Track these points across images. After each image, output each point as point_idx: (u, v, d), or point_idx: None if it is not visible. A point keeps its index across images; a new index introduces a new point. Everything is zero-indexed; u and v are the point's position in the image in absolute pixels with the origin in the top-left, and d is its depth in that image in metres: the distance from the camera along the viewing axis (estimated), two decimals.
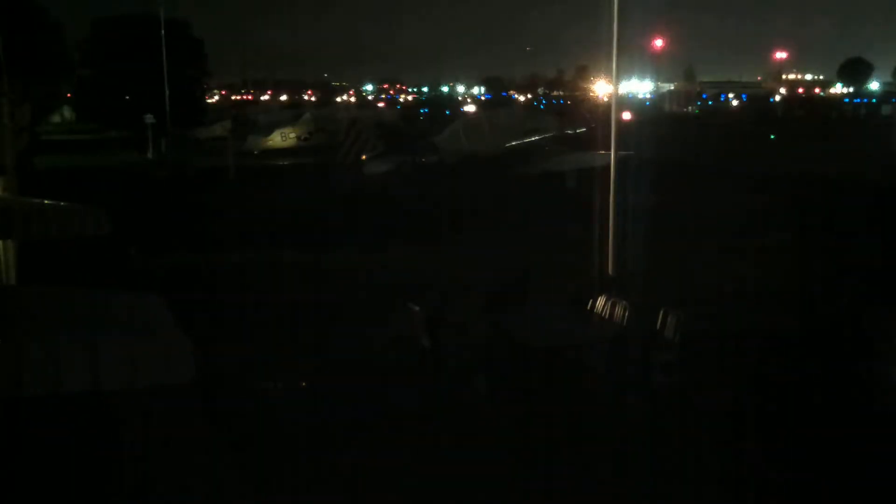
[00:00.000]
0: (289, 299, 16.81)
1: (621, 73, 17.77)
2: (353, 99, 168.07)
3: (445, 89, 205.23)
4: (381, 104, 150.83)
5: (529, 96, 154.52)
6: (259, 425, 11.04)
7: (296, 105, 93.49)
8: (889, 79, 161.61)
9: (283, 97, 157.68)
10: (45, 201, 13.21)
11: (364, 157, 39.37)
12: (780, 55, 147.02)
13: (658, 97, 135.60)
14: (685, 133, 64.68)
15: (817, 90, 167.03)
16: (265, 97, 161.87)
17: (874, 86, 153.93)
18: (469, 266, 19.58)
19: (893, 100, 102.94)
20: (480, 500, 9.42)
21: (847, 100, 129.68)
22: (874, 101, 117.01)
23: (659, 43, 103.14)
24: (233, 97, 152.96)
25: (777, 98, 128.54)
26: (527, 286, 16.99)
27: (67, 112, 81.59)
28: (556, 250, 20.44)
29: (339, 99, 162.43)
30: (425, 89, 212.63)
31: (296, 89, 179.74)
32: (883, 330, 14.34)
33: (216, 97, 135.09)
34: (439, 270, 19.00)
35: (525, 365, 12.24)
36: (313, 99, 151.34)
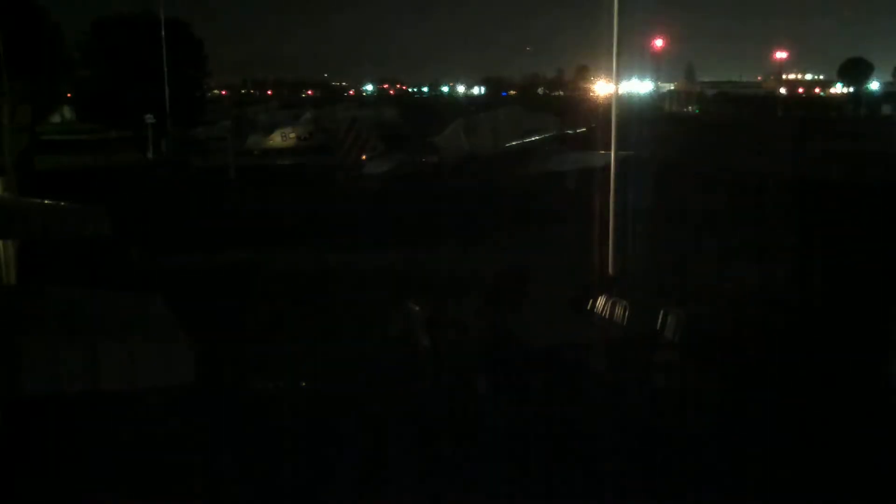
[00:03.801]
0: (289, 299, 16.81)
1: (621, 74, 17.77)
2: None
3: (445, 89, 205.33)
4: None
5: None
6: (259, 425, 11.04)
7: (296, 104, 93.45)
8: (889, 79, 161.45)
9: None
10: (45, 201, 13.23)
11: (364, 156, 39.34)
12: (780, 55, 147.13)
13: (658, 97, 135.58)
14: (683, 132, 64.70)
15: (817, 90, 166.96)
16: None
17: (874, 86, 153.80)
18: (469, 266, 19.58)
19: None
20: (481, 500, 9.42)
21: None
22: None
23: (659, 43, 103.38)
24: (242, 91, 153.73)
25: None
26: (527, 286, 16.99)
27: (67, 112, 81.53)
28: (556, 250, 20.43)
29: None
30: (425, 89, 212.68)
31: (296, 89, 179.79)
32: (885, 328, 14.35)
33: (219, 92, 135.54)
34: (439, 270, 18.99)
35: (525, 365, 12.24)
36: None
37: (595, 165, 28.16)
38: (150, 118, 49.97)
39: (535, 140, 40.50)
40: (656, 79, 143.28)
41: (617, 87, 18.02)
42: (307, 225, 25.48)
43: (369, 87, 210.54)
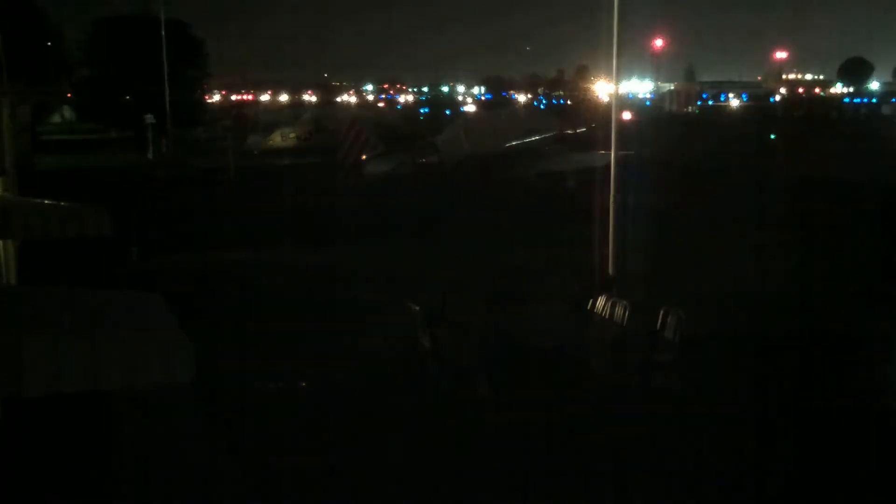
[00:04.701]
0: (289, 299, 16.81)
1: (621, 73, 17.76)
2: (353, 99, 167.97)
3: (445, 89, 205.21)
4: (381, 104, 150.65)
5: (529, 96, 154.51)
6: (259, 425, 11.04)
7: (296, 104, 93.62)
8: (889, 79, 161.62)
9: (284, 97, 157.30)
10: (45, 201, 13.23)
11: (364, 157, 39.34)
12: (780, 55, 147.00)
13: (658, 97, 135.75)
14: (686, 133, 64.78)
15: (817, 90, 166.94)
16: (265, 96, 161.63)
17: (874, 86, 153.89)
18: (469, 266, 19.58)
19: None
20: (481, 500, 9.42)
21: (847, 99, 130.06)
22: (871, 100, 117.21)
23: (659, 43, 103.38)
24: (233, 97, 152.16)
25: (777, 98, 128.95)
26: (527, 286, 16.99)
27: (67, 112, 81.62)
28: (555, 250, 20.43)
29: (339, 99, 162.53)
30: (425, 89, 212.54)
31: (296, 89, 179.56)
32: (883, 331, 14.34)
33: (217, 97, 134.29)
34: (439, 270, 18.99)
35: (525, 365, 12.23)
36: (314, 99, 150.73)
37: (595, 165, 28.18)
38: (150, 118, 50.01)
39: (535, 140, 40.51)
40: (656, 79, 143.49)
41: (617, 87, 18.02)
42: (307, 225, 25.47)
43: (369, 87, 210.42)
